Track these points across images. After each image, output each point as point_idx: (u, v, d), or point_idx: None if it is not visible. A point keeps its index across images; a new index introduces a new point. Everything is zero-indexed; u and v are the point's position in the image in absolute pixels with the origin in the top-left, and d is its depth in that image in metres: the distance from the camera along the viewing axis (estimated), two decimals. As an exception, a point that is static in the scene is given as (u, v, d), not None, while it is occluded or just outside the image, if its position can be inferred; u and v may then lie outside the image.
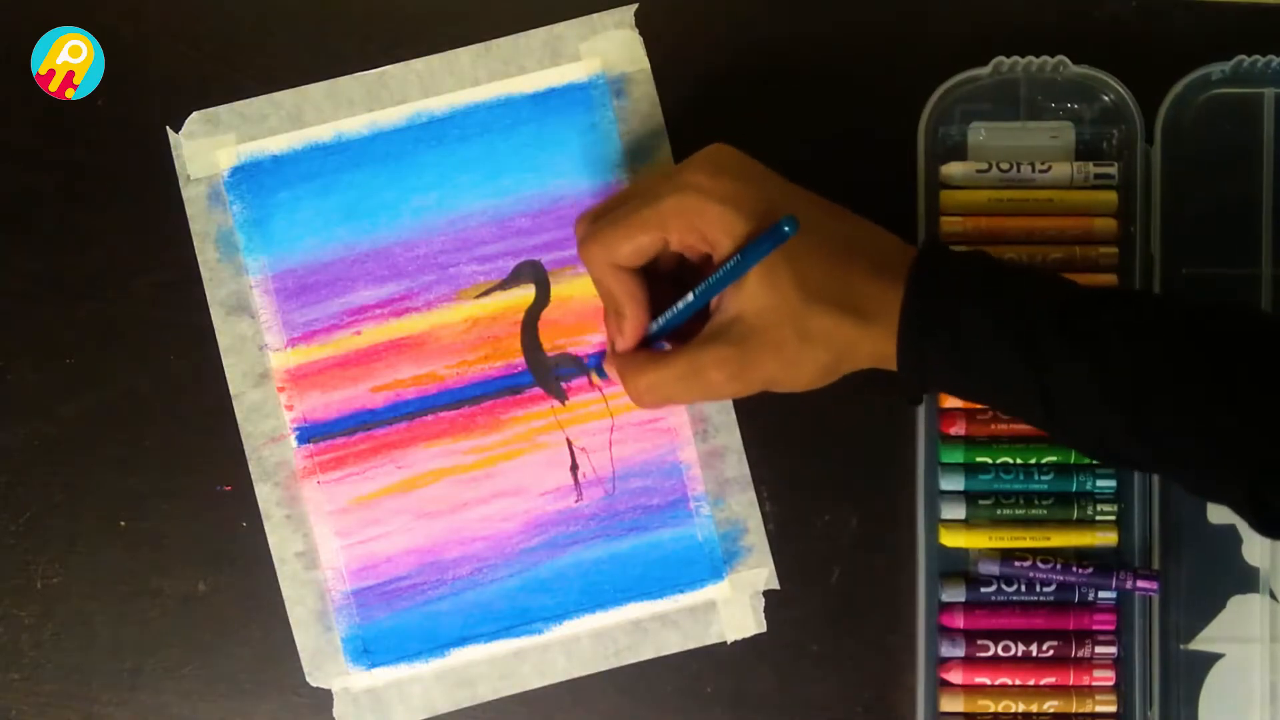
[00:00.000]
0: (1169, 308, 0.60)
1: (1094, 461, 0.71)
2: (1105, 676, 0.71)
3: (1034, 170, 0.71)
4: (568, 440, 0.73)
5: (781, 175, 0.64)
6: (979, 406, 0.71)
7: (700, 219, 0.60)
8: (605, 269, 0.63)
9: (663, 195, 0.61)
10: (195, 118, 0.72)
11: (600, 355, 0.72)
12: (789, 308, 0.60)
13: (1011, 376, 0.60)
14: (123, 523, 0.72)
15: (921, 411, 0.71)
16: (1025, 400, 0.61)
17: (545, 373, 0.72)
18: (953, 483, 0.72)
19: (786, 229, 0.58)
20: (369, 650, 0.72)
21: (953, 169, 0.72)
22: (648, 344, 0.65)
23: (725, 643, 0.72)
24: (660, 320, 0.64)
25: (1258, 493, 0.57)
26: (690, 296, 0.63)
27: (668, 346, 0.66)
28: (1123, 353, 0.58)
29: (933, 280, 0.61)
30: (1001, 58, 0.71)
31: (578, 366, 0.72)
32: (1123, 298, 0.60)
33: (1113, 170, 0.71)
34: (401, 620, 0.72)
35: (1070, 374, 0.59)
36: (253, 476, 0.72)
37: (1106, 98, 0.72)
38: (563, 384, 0.73)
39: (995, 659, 0.71)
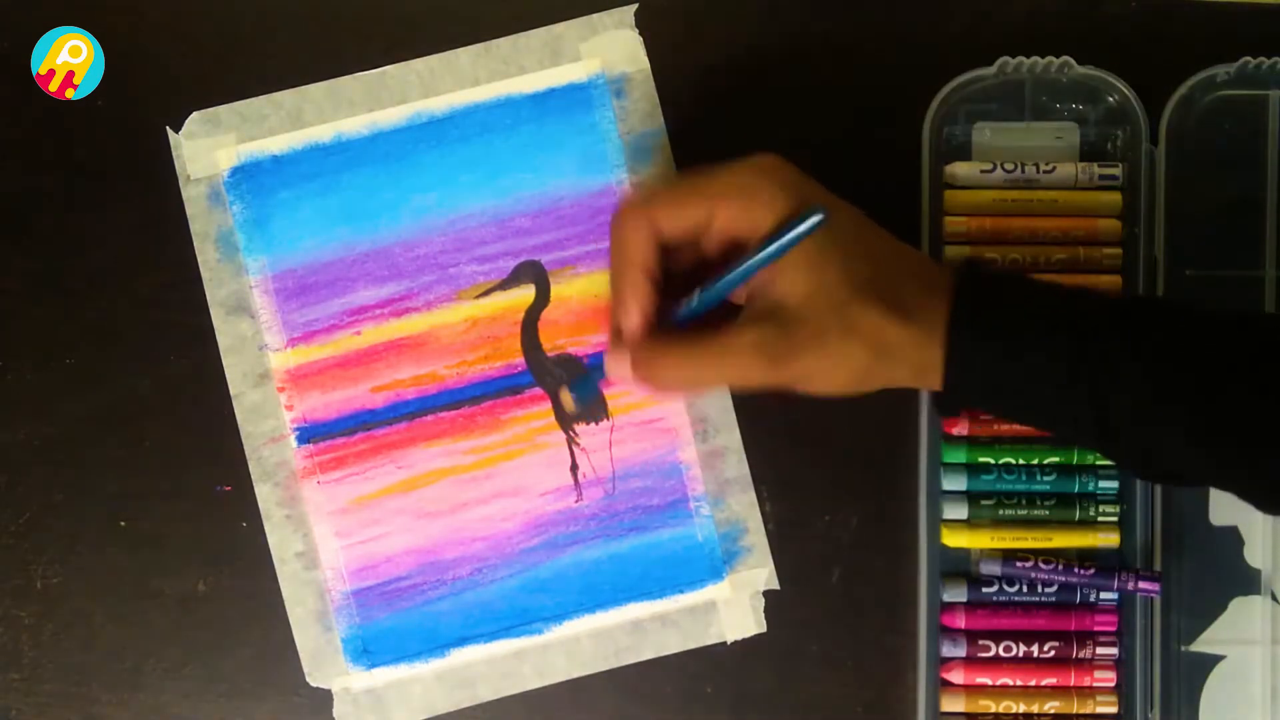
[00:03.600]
0: (1230, 313, 0.57)
1: (1103, 462, 0.69)
2: (1106, 678, 0.69)
3: (1038, 171, 0.69)
4: (568, 440, 0.70)
5: None
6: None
7: (754, 199, 0.57)
8: (636, 233, 0.58)
9: (719, 173, 0.58)
10: (195, 118, 0.70)
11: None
12: (834, 297, 0.56)
13: (1064, 382, 0.56)
14: (123, 523, 0.70)
15: (924, 411, 0.69)
16: (1076, 409, 0.57)
17: (545, 373, 0.70)
18: (955, 483, 0.70)
19: (815, 215, 0.55)
20: (369, 650, 0.69)
21: (957, 169, 0.69)
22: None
23: (725, 643, 0.70)
24: (693, 300, 0.59)
25: None
26: (716, 283, 0.58)
27: None
28: (1180, 358, 0.55)
29: (982, 288, 0.58)
30: (1007, 58, 0.69)
31: (577, 367, 0.70)
32: (1180, 304, 0.57)
33: (1117, 171, 0.69)
34: (401, 620, 0.69)
35: (1127, 374, 0.55)
36: (253, 476, 0.69)
37: (1111, 98, 0.70)
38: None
39: (997, 659, 0.69)
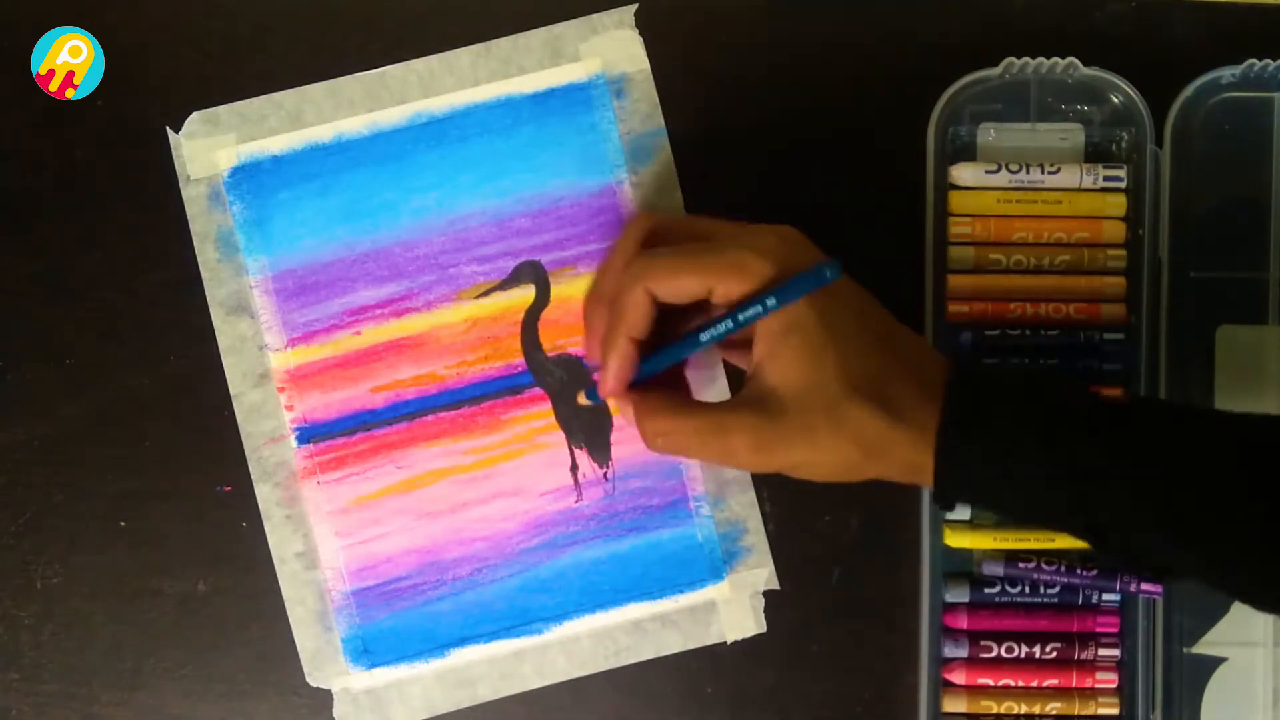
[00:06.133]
0: (1213, 419, 0.56)
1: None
2: (1108, 679, 0.67)
3: (1043, 172, 0.67)
4: (568, 440, 0.68)
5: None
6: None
7: (754, 283, 0.55)
8: (632, 297, 0.57)
9: (727, 249, 0.56)
10: (195, 118, 0.68)
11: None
12: (828, 392, 0.55)
13: (1052, 490, 0.55)
14: (123, 523, 0.68)
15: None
16: (1066, 516, 0.56)
17: (545, 373, 0.68)
18: (957, 483, 0.67)
19: (828, 273, 0.54)
20: (369, 650, 0.67)
21: (962, 170, 0.67)
22: (639, 378, 0.59)
23: (725, 643, 0.68)
24: (657, 359, 0.59)
25: None
26: (704, 328, 0.57)
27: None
28: (1169, 466, 0.54)
29: (971, 395, 0.56)
30: (1012, 59, 0.66)
31: (577, 367, 0.68)
32: (1164, 410, 0.57)
33: (1122, 173, 0.67)
34: (401, 620, 0.67)
35: (1114, 488, 0.54)
36: (253, 476, 0.67)
37: (1116, 100, 0.67)
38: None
39: (998, 660, 0.67)
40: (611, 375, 0.58)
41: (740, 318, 0.56)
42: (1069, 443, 0.54)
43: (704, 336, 0.57)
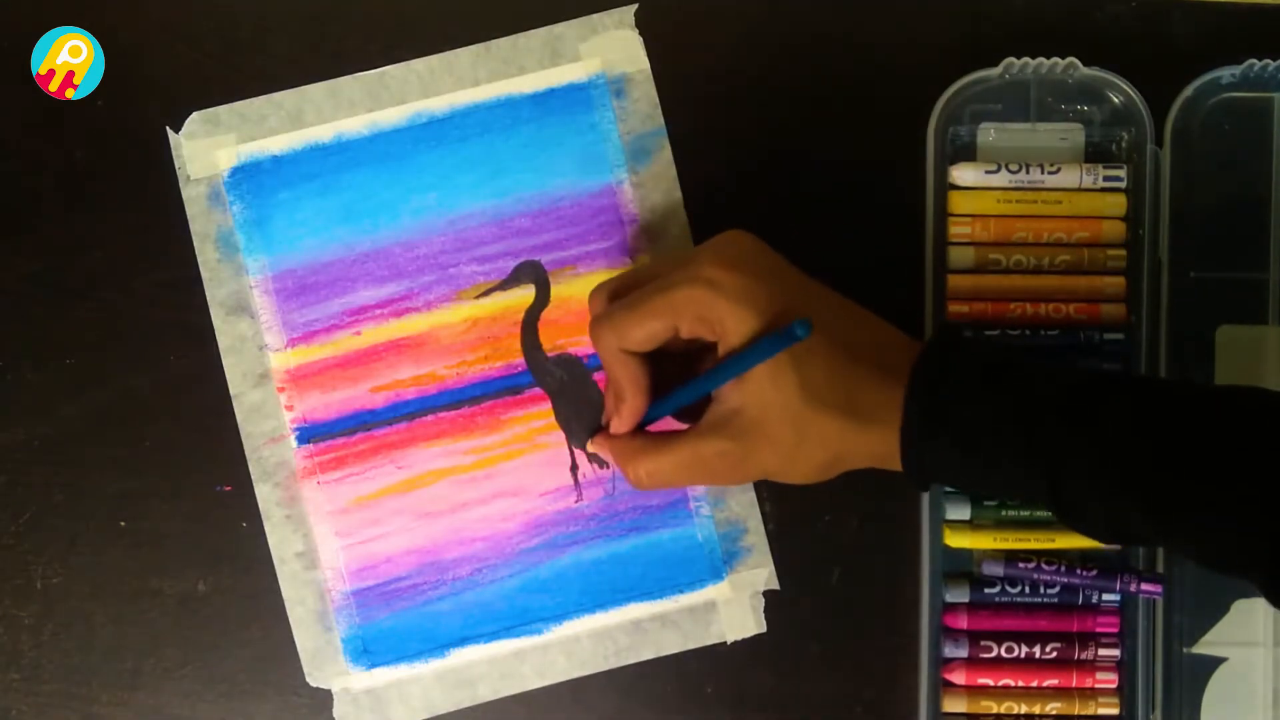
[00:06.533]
0: (1173, 392, 0.56)
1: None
2: (1108, 679, 0.67)
3: (1043, 172, 0.67)
4: (567, 440, 0.68)
5: (798, 268, 0.60)
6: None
7: (711, 312, 0.57)
8: (613, 352, 0.59)
9: (676, 285, 0.57)
10: (195, 118, 0.67)
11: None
12: (790, 408, 0.57)
13: (1017, 470, 0.56)
14: (123, 523, 0.67)
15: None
16: (1033, 492, 0.57)
17: (545, 373, 0.67)
18: (957, 483, 0.68)
19: (799, 332, 0.54)
20: (369, 650, 0.67)
21: (962, 170, 0.67)
22: (642, 425, 0.61)
23: (725, 643, 0.68)
24: (658, 407, 0.61)
25: (1277, 569, 0.52)
26: (691, 386, 0.59)
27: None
28: (1130, 439, 0.54)
29: (933, 384, 0.57)
30: (1012, 59, 0.66)
31: (577, 367, 0.67)
32: (1125, 384, 0.57)
33: (1122, 173, 0.67)
34: (401, 620, 0.67)
35: (1077, 463, 0.55)
36: (253, 476, 0.67)
37: (1116, 100, 0.67)
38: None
39: (998, 660, 0.67)
40: (625, 424, 0.60)
41: (717, 375, 0.57)
42: (1035, 430, 0.55)
43: (706, 384, 0.58)
